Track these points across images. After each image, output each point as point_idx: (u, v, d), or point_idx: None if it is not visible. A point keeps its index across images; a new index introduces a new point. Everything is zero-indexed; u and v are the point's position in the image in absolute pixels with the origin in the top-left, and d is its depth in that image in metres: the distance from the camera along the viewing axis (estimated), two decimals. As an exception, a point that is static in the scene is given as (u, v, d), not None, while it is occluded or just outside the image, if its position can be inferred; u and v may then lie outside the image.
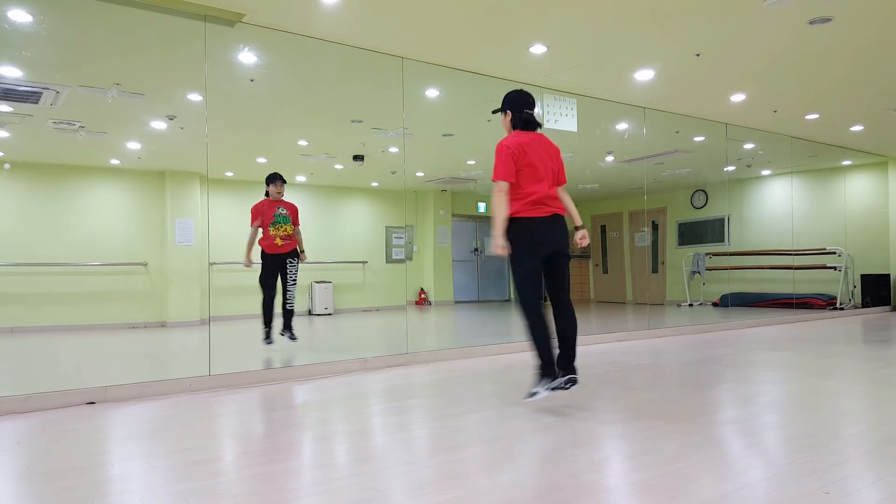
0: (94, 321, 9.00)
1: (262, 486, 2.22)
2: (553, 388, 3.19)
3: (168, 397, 3.95)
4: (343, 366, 4.84)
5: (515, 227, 3.26)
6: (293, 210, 5.82)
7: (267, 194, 5.76)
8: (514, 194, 3.27)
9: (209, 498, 2.12)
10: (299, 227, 5.87)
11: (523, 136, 3.33)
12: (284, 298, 5.72)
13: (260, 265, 5.70)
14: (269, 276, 5.65)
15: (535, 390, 3.21)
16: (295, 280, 5.74)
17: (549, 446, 2.68)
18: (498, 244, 3.24)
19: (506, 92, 3.54)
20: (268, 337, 5.63)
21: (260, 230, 5.69)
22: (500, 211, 3.23)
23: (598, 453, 2.56)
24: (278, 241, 5.62)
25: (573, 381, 3.30)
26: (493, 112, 3.59)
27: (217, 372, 4.40)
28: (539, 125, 3.45)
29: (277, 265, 5.68)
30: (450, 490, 2.16)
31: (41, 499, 2.15)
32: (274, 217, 5.63)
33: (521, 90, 3.46)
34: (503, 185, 3.23)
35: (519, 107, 3.40)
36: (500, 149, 3.29)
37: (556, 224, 3.31)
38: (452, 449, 2.66)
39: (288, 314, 5.75)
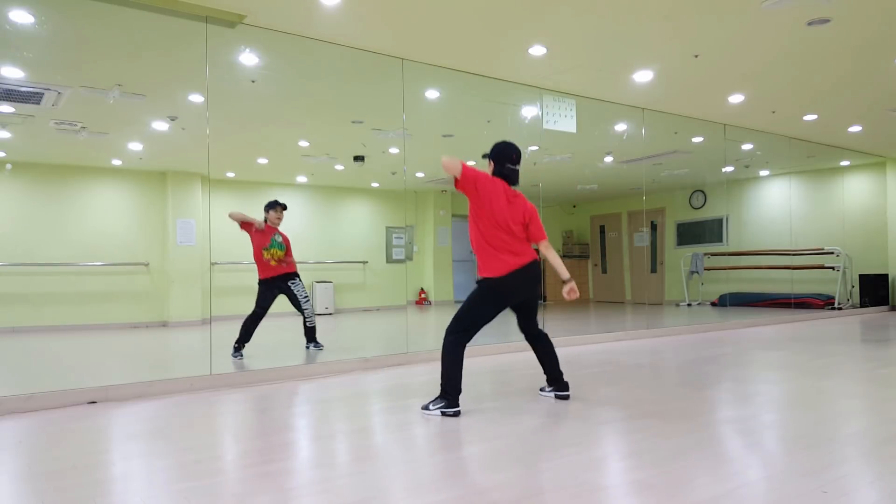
0: (96, 321, 9.02)
1: (263, 486, 2.24)
2: (444, 414, 3.26)
3: (169, 397, 3.97)
4: (343, 365, 4.86)
5: (489, 281, 3.34)
6: (287, 241, 5.78)
7: (265, 220, 5.70)
8: (485, 251, 3.34)
9: (210, 497, 2.14)
10: (292, 257, 5.84)
11: (500, 183, 3.41)
12: (304, 318, 5.69)
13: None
14: (265, 299, 5.58)
15: (430, 406, 3.33)
16: (307, 297, 5.70)
17: (547, 445, 2.69)
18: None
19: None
20: (238, 351, 5.44)
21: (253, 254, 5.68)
22: (452, 164, 3.29)
23: (596, 452, 2.58)
24: (272, 263, 5.58)
25: (565, 397, 3.63)
26: (483, 156, 3.62)
27: (218, 371, 4.41)
28: (516, 182, 3.51)
29: (276, 289, 5.63)
30: (449, 489, 2.17)
31: (43, 498, 2.16)
32: (269, 241, 5.59)
33: (509, 143, 3.51)
34: (459, 167, 3.28)
35: (503, 160, 3.46)
36: (480, 172, 3.40)
37: (530, 272, 3.37)
38: (452, 448, 2.68)
39: (310, 331, 5.71)
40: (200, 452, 2.67)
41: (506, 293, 3.36)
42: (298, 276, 5.78)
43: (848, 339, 6.51)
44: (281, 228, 5.86)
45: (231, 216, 5.58)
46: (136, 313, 9.32)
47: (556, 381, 3.65)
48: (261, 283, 5.64)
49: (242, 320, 5.52)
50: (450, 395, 3.27)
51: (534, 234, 3.47)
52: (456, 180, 3.33)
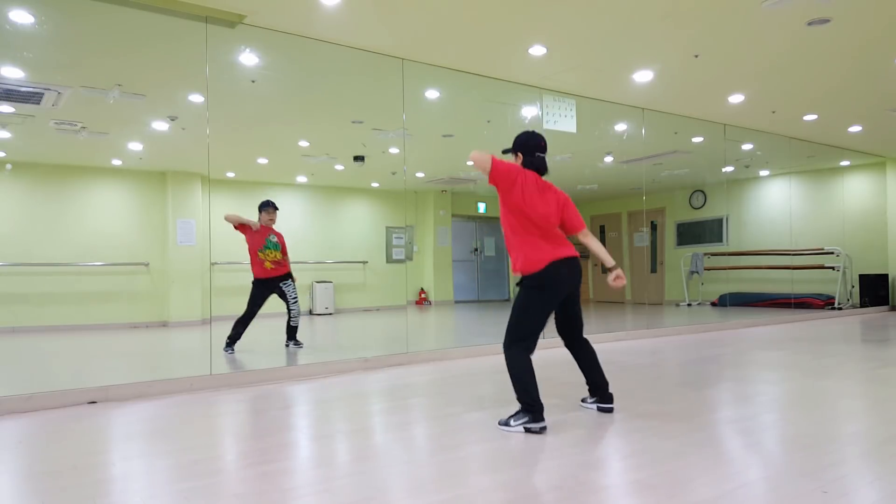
0: (96, 321, 9.02)
1: (263, 485, 2.24)
2: (527, 430, 2.94)
3: (169, 397, 3.97)
4: (343, 365, 4.86)
5: (535, 277, 3.09)
6: (282, 240, 5.90)
7: (259, 221, 5.80)
8: (526, 244, 3.12)
9: (210, 497, 2.14)
10: (287, 257, 5.95)
11: (532, 175, 3.21)
12: (290, 316, 5.84)
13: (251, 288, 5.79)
14: (256, 302, 5.71)
15: (510, 422, 3.00)
16: (296, 298, 5.85)
17: (547, 445, 2.69)
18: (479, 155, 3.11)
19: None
20: (230, 346, 5.63)
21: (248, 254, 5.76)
22: (481, 160, 3.11)
23: (596, 452, 2.58)
24: (268, 266, 5.70)
25: (609, 410, 3.30)
26: (504, 152, 3.40)
27: (218, 371, 4.41)
28: (547, 171, 3.32)
29: (269, 290, 5.77)
30: (449, 489, 2.17)
31: (43, 498, 2.16)
32: (265, 242, 5.70)
33: (534, 132, 3.31)
34: (489, 162, 3.08)
35: (531, 150, 3.25)
36: (512, 164, 3.20)
37: (573, 266, 3.16)
38: (452, 448, 2.68)
39: (292, 330, 5.88)
40: (200, 452, 2.67)
41: (551, 286, 3.08)
42: (292, 276, 5.92)
43: (848, 339, 6.51)
44: (280, 229, 5.93)
45: (227, 218, 5.64)
46: (136, 313, 9.32)
47: (601, 392, 3.33)
48: (255, 282, 5.76)
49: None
50: (532, 408, 2.95)
51: (572, 225, 3.26)
52: (489, 175, 3.13)
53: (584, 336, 3.39)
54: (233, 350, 5.60)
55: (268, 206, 5.84)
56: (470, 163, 3.24)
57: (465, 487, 2.19)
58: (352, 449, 2.69)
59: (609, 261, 3.28)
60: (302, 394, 3.99)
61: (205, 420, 3.31)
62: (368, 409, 3.48)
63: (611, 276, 3.26)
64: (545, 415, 3.03)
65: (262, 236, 5.71)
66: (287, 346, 5.89)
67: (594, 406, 3.37)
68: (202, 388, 4.21)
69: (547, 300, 3.10)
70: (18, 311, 8.55)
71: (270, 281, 5.75)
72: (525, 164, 3.25)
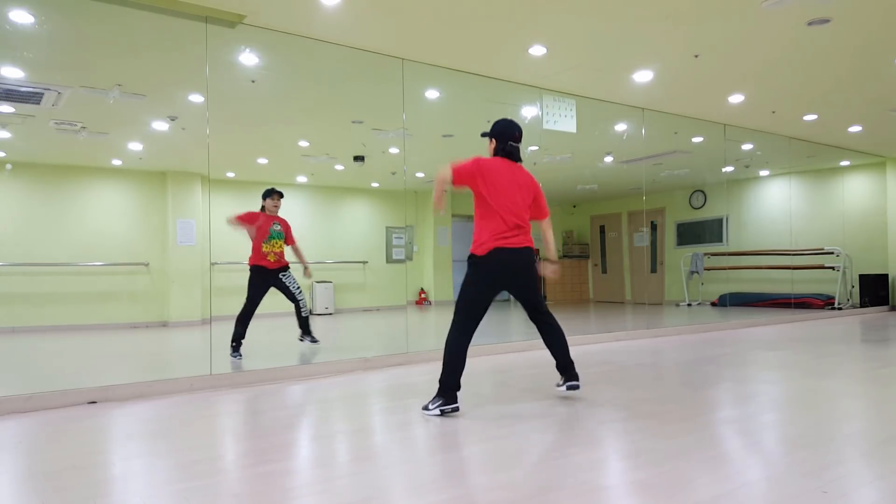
0: (96, 321, 9.02)
1: (263, 485, 2.24)
2: (442, 412, 3.24)
3: (169, 397, 3.97)
4: (343, 365, 4.86)
5: (478, 259, 3.32)
6: (286, 226, 5.77)
7: (263, 209, 5.68)
8: (481, 228, 3.37)
9: (210, 497, 2.14)
10: (296, 243, 5.84)
11: (499, 162, 3.42)
12: (298, 308, 5.68)
13: (249, 277, 5.65)
14: (257, 294, 5.55)
15: (430, 405, 3.29)
16: (299, 287, 5.68)
17: (547, 445, 2.69)
18: (438, 200, 3.39)
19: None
20: (236, 350, 5.39)
21: (251, 243, 5.64)
22: (440, 179, 3.37)
23: (596, 452, 2.58)
24: (271, 258, 5.56)
25: (575, 387, 3.53)
26: (482, 135, 3.64)
27: (218, 371, 4.41)
28: (519, 159, 3.52)
29: (268, 281, 5.59)
30: (449, 489, 2.17)
31: (43, 498, 2.16)
32: (269, 232, 5.56)
33: (511, 121, 3.52)
34: (448, 174, 3.34)
35: (505, 138, 3.47)
36: (474, 159, 3.40)
37: (522, 255, 3.36)
38: (452, 448, 2.68)
39: (304, 321, 5.71)
40: (200, 452, 2.67)
41: (489, 272, 3.31)
42: (289, 268, 5.74)
43: (848, 339, 6.51)
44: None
45: (230, 221, 5.53)
46: (136, 313, 9.32)
47: (565, 371, 3.55)
48: (253, 270, 5.57)
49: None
50: (445, 390, 3.24)
51: (538, 211, 3.53)
52: (453, 182, 3.37)
53: (553, 319, 3.59)
54: (240, 355, 5.35)
55: (273, 194, 5.69)
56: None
57: (465, 487, 2.19)
58: (352, 449, 2.69)
59: (553, 255, 3.68)
60: (302, 394, 3.99)
61: (205, 420, 3.31)
62: (368, 409, 3.48)
63: (549, 267, 3.61)
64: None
65: (266, 225, 5.58)
66: (301, 340, 5.70)
67: (565, 387, 3.55)
68: (202, 388, 4.21)
69: (483, 283, 3.31)
70: (18, 311, 8.56)
71: (270, 273, 5.61)
72: (497, 151, 3.49)
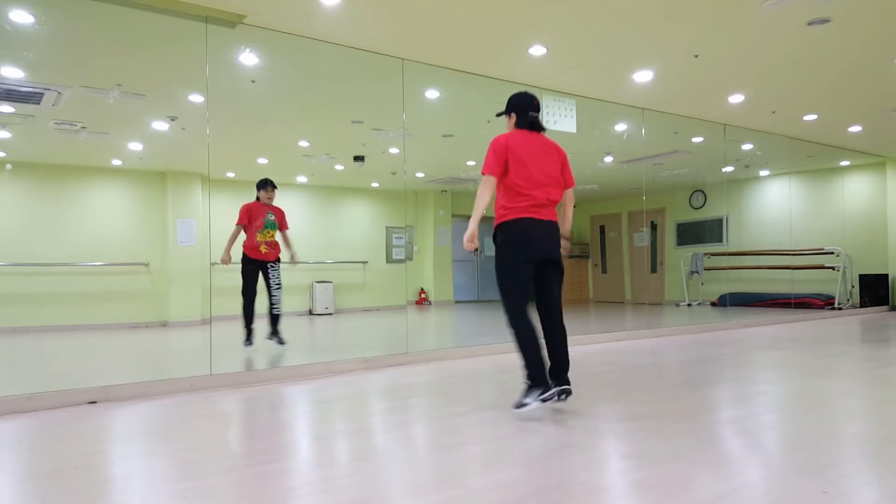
0: (96, 321, 9.02)
1: (263, 485, 2.24)
2: (544, 400, 3.06)
3: (169, 397, 3.97)
4: (343, 365, 4.86)
5: (505, 228, 3.16)
6: (280, 214, 5.84)
7: (258, 199, 5.79)
8: (507, 196, 3.19)
9: (210, 497, 2.14)
10: (288, 230, 5.89)
11: (522, 135, 3.26)
12: (271, 304, 5.70)
13: (241, 266, 5.71)
14: (250, 282, 5.65)
15: (525, 401, 3.07)
16: (279, 284, 5.72)
17: (547, 445, 2.69)
18: (469, 236, 3.10)
19: (506, 93, 3.53)
20: (248, 339, 5.62)
21: (244, 233, 5.71)
22: (480, 202, 3.12)
23: (596, 452, 2.58)
24: (263, 249, 5.64)
25: (567, 392, 3.25)
26: (498, 115, 3.51)
27: (218, 371, 4.41)
28: (543, 128, 3.37)
29: (259, 270, 5.69)
30: (449, 489, 2.17)
31: (43, 498, 2.16)
32: (263, 222, 5.64)
33: (526, 92, 3.39)
34: (489, 180, 3.16)
35: (524, 109, 3.32)
36: (492, 143, 3.23)
37: (550, 229, 3.20)
38: (452, 448, 2.68)
39: (275, 319, 5.74)
40: (200, 452, 2.67)
41: (520, 240, 3.10)
42: (279, 261, 5.80)
43: (848, 339, 6.51)
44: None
45: (223, 261, 5.58)
46: (136, 313, 9.32)
47: (558, 376, 3.26)
48: (245, 258, 5.64)
49: (240, 320, 5.62)
50: (536, 379, 3.00)
51: (568, 179, 3.36)
52: (490, 177, 3.18)
53: (563, 326, 3.33)
54: (252, 342, 5.57)
55: (266, 185, 5.75)
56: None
57: (465, 487, 2.18)
58: (352, 449, 2.69)
59: (567, 229, 3.46)
60: (302, 394, 3.98)
61: (205, 420, 3.31)
62: (368, 409, 3.48)
63: (560, 243, 3.34)
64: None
65: (261, 215, 5.65)
66: (269, 338, 5.74)
67: (557, 391, 3.24)
68: (202, 388, 4.21)
69: (514, 254, 3.11)
70: (18, 311, 8.55)
71: (261, 262, 5.68)
72: (518, 124, 3.33)
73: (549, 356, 3.27)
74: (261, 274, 5.71)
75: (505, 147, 3.19)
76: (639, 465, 2.40)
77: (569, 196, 3.42)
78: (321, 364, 4.79)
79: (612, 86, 6.29)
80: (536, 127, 3.33)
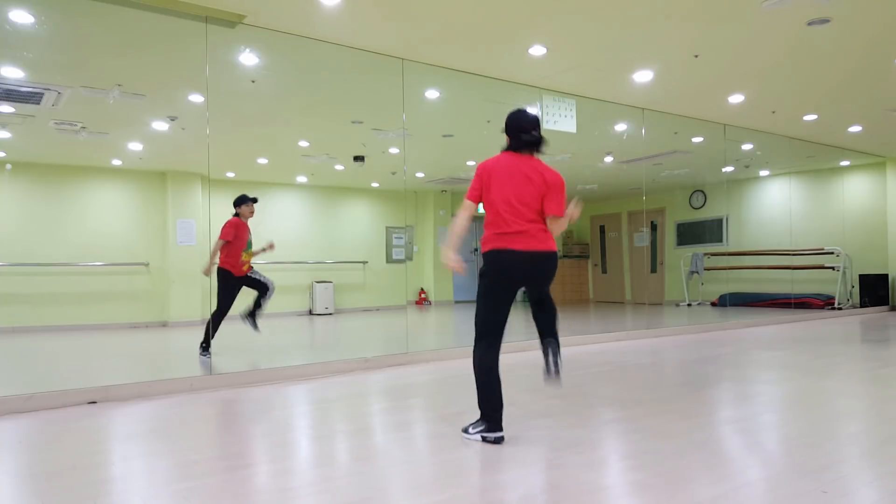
0: (96, 321, 9.01)
1: (263, 485, 2.24)
2: (484, 439, 2.79)
3: (169, 397, 3.97)
4: (343, 365, 4.86)
5: (485, 259, 2.95)
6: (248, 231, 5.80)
7: (236, 215, 5.64)
8: (486, 224, 2.97)
9: (210, 496, 2.14)
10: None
11: (508, 157, 3.01)
12: (265, 292, 5.69)
13: (220, 281, 5.63)
14: (231, 298, 5.58)
15: (469, 430, 2.87)
16: (266, 277, 5.74)
17: (547, 445, 2.69)
18: (446, 261, 2.96)
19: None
20: (208, 349, 5.40)
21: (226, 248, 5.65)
22: (452, 228, 2.98)
23: (596, 452, 2.58)
24: (245, 268, 5.65)
25: (553, 347, 3.14)
26: (502, 131, 3.23)
27: (218, 371, 4.41)
28: (539, 150, 3.06)
29: (241, 285, 5.66)
30: (449, 489, 2.17)
31: (43, 498, 2.16)
32: (247, 242, 5.64)
33: (521, 110, 3.14)
34: (466, 205, 2.97)
35: (515, 131, 3.06)
36: (477, 167, 3.05)
37: (527, 260, 2.88)
38: (452, 448, 2.68)
39: (258, 306, 5.72)
40: (200, 452, 2.67)
41: (494, 274, 2.89)
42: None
43: (848, 339, 6.51)
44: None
45: (206, 273, 5.56)
46: (136, 313, 9.31)
47: (546, 336, 3.16)
48: (227, 274, 5.58)
49: (237, 320, 5.57)
50: (487, 415, 2.81)
51: (549, 207, 2.93)
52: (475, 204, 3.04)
53: (551, 301, 3.22)
54: (209, 354, 5.29)
55: (248, 201, 5.68)
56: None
57: (465, 487, 2.19)
58: (352, 449, 2.69)
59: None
60: (302, 394, 3.98)
61: (205, 420, 3.31)
62: (368, 409, 3.48)
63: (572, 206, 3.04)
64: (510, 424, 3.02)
65: (246, 236, 5.62)
66: (244, 320, 5.67)
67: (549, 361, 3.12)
68: (202, 388, 4.21)
69: (499, 284, 2.91)
70: (18, 311, 8.55)
71: (243, 278, 5.68)
72: (510, 147, 3.05)
73: (536, 327, 3.19)
74: (245, 284, 5.70)
75: (484, 171, 2.99)
76: (639, 464, 2.40)
77: (551, 219, 2.98)
78: (321, 364, 4.79)
79: (612, 86, 6.29)
80: (531, 149, 3.04)
